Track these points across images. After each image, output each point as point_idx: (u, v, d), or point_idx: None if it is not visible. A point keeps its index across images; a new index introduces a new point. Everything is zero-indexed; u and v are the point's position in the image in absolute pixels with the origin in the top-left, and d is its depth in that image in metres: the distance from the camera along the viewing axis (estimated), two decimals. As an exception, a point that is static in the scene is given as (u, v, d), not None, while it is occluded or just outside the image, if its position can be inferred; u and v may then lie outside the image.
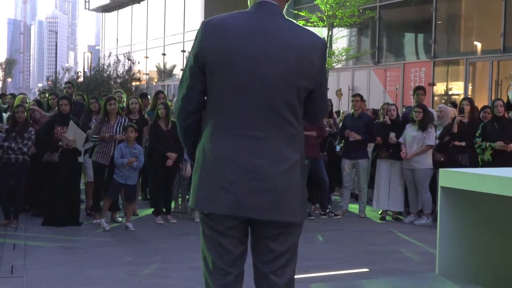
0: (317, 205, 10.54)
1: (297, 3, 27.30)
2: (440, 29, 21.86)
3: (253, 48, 2.82)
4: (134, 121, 9.64)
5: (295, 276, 3.09)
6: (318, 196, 10.46)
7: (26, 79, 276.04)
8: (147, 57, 39.73)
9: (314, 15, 17.09)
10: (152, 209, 9.97)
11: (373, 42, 23.53)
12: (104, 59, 24.56)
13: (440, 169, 5.21)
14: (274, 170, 2.84)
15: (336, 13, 16.78)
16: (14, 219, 8.92)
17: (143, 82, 30.94)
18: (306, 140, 9.98)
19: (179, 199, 10.34)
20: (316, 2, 17.41)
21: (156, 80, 39.40)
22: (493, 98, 19.23)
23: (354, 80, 23.99)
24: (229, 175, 2.81)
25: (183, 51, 36.68)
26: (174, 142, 9.36)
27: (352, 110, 10.49)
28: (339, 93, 18.64)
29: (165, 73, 37.79)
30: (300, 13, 17.93)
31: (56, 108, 9.58)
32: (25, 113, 9.02)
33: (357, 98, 10.48)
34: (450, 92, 21.59)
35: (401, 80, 22.64)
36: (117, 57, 27.44)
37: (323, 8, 16.93)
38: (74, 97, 11.14)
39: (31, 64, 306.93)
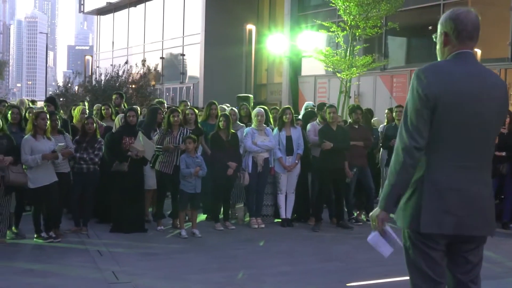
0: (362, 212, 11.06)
1: (302, 9, 27.84)
2: (447, 37, 22.47)
3: (476, 90, 3.33)
4: (190, 131, 10.07)
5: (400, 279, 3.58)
6: (364, 203, 10.99)
7: (6, 79, 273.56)
8: (144, 60, 39.93)
9: (335, 25, 17.59)
10: (205, 216, 10.50)
11: (380, 49, 24.08)
12: (116, 66, 24.70)
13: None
14: (484, 194, 3.38)
15: (359, 23, 17.29)
16: (84, 226, 9.34)
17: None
18: (354, 150, 10.50)
19: (237, 205, 10.78)
20: (339, 13, 17.92)
21: (154, 83, 39.62)
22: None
23: (360, 86, 24.47)
24: (451, 200, 3.31)
25: (183, 55, 37.06)
26: (233, 152, 9.88)
27: (395, 121, 11.00)
28: (356, 99, 19.19)
29: (163, 76, 38.07)
30: (324, 23, 18.39)
31: (117, 118, 10.00)
32: (94, 124, 9.44)
33: (400, 108, 11.02)
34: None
35: (407, 86, 23.19)
36: (126, 62, 27.66)
37: (345, 18, 17.42)
38: (124, 106, 11.58)
39: (10, 64, 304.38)
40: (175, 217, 9.88)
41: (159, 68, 37.34)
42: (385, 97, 23.85)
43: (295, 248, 8.75)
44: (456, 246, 3.45)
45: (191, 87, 35.94)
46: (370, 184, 10.81)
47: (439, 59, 3.56)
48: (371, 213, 3.53)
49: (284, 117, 10.24)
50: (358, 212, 11.02)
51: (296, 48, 23.89)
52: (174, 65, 38.74)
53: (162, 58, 38.90)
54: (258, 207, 10.32)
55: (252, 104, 16.07)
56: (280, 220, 10.42)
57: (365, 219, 10.84)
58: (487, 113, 3.37)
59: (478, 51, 21.74)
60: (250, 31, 28.04)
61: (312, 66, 27.02)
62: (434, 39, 3.59)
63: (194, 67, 35.52)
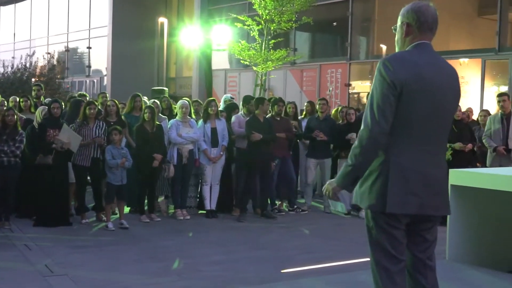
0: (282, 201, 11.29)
1: (214, 2, 27.85)
2: (356, 32, 23.11)
3: (437, 79, 3.53)
4: (112, 123, 9.99)
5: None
6: (286, 193, 11.23)
7: None
8: (48, 53, 38.90)
9: (251, 19, 17.75)
10: (129, 208, 10.45)
11: (292, 43, 24.47)
12: (22, 57, 23.96)
13: (450, 170, 6.10)
14: (443, 177, 3.60)
15: (274, 18, 17.53)
16: (6, 221, 9.10)
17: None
18: (276, 142, 10.73)
19: (160, 199, 10.76)
20: (254, 7, 18.08)
21: (59, 76, 38.64)
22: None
23: (270, 80, 24.77)
24: (415, 182, 3.50)
25: (89, 47, 36.30)
26: (158, 144, 9.89)
27: (318, 113, 11.29)
28: (270, 93, 19.46)
29: (68, 69, 37.15)
30: (239, 17, 18.52)
31: (38, 111, 9.78)
32: (15, 116, 9.20)
33: (324, 101, 11.33)
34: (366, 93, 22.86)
35: (317, 81, 23.73)
36: (31, 55, 26.85)
37: (261, 12, 17.61)
38: (43, 99, 11.34)
39: None
40: (99, 210, 9.78)
41: (64, 61, 36.47)
42: (295, 91, 24.26)
43: (224, 238, 8.86)
44: (415, 225, 3.63)
45: (97, 81, 35.30)
46: (292, 175, 11.09)
47: (398, 49, 3.73)
48: (325, 185, 3.68)
49: (209, 109, 10.32)
50: (280, 202, 11.24)
51: (209, 42, 23.94)
52: (80, 58, 37.90)
53: (67, 50, 37.96)
54: (184, 199, 10.36)
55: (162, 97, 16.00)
56: (204, 212, 10.49)
57: (287, 209, 11.08)
58: (446, 101, 3.58)
59: (383, 47, 22.58)
60: (162, 24, 27.83)
61: (223, 60, 27.18)
62: (394, 31, 3.77)
63: (101, 60, 34.86)
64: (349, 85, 22.78)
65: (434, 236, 3.72)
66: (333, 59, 23.74)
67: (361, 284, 6.17)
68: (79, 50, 37.97)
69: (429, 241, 3.70)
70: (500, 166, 9.52)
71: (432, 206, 3.57)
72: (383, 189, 3.50)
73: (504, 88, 17.75)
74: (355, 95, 23.04)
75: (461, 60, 19.29)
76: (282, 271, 6.97)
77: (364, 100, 22.57)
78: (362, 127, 3.50)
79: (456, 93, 3.65)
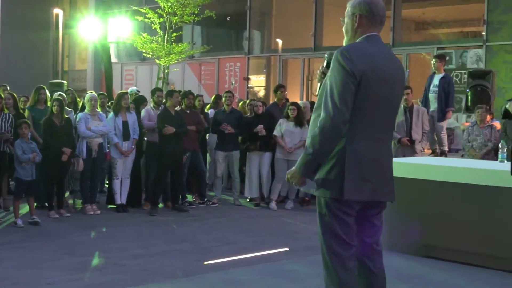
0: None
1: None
2: (254, 27, 23.32)
3: (389, 69, 3.66)
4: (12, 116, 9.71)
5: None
6: (197, 186, 11.25)
7: None
8: None
9: (153, 12, 17.54)
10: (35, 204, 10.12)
11: (191, 37, 24.38)
12: None
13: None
14: (391, 164, 3.76)
15: (176, 11, 17.42)
16: None
17: None
18: (187, 135, 10.76)
19: (67, 193, 10.50)
20: (156, 0, 17.89)
21: None
22: (304, 93, 21.17)
23: (169, 73, 24.61)
24: (369, 169, 3.62)
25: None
26: (67, 138, 9.66)
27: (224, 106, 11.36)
28: (172, 86, 19.35)
29: None
30: (140, 9, 18.25)
31: None
32: None
33: (230, 94, 11.40)
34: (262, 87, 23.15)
35: (216, 74, 23.78)
36: None
37: (162, 5, 17.45)
38: None
39: None
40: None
41: None
42: (194, 84, 24.18)
43: (140, 232, 8.77)
44: (364, 211, 3.77)
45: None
46: (203, 167, 11.12)
47: (347, 39, 3.84)
48: (289, 173, 3.74)
49: (122, 102, 10.17)
50: (191, 195, 11.24)
51: (107, 34, 23.47)
52: None
53: None
54: (93, 193, 10.16)
55: (65, 90, 15.60)
56: (114, 206, 10.34)
57: (197, 202, 11.08)
58: (396, 91, 3.75)
59: (279, 41, 22.92)
60: (57, 15, 26.99)
61: (120, 53, 26.71)
62: (342, 22, 3.87)
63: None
64: (248, 78, 22.98)
65: (381, 221, 3.88)
66: (232, 53, 23.85)
67: (290, 273, 6.33)
68: None
69: (376, 226, 3.85)
70: (404, 156, 9.91)
71: (383, 192, 3.72)
72: (340, 177, 3.60)
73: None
74: (254, 89, 23.28)
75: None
76: (204, 263, 6.99)
77: (261, 93, 22.87)
78: (322, 115, 3.55)
79: (402, 83, 3.83)
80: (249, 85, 22.91)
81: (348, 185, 3.59)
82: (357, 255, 3.77)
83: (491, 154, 10.02)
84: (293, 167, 3.73)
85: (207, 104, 13.05)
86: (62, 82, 17.00)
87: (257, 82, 23.41)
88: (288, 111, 10.83)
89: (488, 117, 10.47)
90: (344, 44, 3.82)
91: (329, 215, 3.69)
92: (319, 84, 3.92)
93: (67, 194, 10.46)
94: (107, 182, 11.23)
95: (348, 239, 3.70)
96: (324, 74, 3.91)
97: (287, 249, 7.80)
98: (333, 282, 3.67)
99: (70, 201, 10.50)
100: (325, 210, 3.70)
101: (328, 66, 3.85)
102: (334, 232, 3.69)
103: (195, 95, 11.83)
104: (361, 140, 3.63)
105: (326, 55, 3.99)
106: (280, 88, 12.02)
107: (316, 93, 3.98)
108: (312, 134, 3.60)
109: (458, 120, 15.93)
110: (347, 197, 3.60)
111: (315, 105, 3.76)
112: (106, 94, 11.98)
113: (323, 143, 3.54)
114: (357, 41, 3.75)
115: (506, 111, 4.68)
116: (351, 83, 3.52)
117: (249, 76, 22.99)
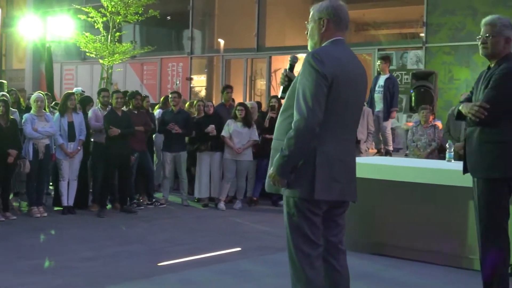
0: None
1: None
2: (197, 27, 23.29)
3: (356, 72, 3.77)
4: None
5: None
6: (145, 186, 11.21)
7: None
8: None
9: (96, 11, 17.28)
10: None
11: (133, 36, 24.19)
12: None
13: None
14: (355, 164, 3.88)
15: (120, 10, 17.23)
16: None
17: None
18: (135, 135, 10.73)
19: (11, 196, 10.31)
20: (99, -2, 17.66)
21: None
22: (248, 92, 21.26)
23: (112, 74, 24.36)
24: (338, 170, 3.71)
25: None
26: (13, 139, 9.49)
27: (172, 106, 11.35)
28: (115, 86, 19.14)
29: None
30: (83, 8, 17.96)
31: None
32: None
33: (175, 95, 11.39)
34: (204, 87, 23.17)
35: (158, 74, 23.67)
36: None
37: (106, 5, 17.23)
38: None
39: None
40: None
41: None
42: (136, 84, 23.98)
43: (89, 234, 8.69)
44: (331, 211, 3.86)
45: None
46: (151, 167, 11.11)
47: (311, 43, 3.91)
48: (270, 176, 3.75)
49: (69, 102, 10.04)
50: (139, 196, 11.19)
51: (46, 33, 23.04)
52: None
53: None
54: (40, 196, 10.02)
55: (6, 90, 15.31)
56: (60, 208, 10.21)
57: (145, 203, 11.05)
58: (361, 94, 3.87)
59: (222, 41, 22.95)
60: (-5, 14, 26.35)
61: (59, 53, 26.26)
62: (308, 26, 3.94)
63: None
64: (191, 79, 22.95)
65: (344, 221, 3.97)
66: (174, 52, 23.76)
67: (245, 273, 6.40)
68: None
69: (340, 226, 3.95)
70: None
71: (349, 193, 3.82)
72: (311, 177, 3.67)
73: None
74: (195, 89, 23.25)
75: (299, 55, 20.10)
76: (158, 264, 6.98)
77: (203, 93, 22.84)
78: (296, 117, 3.60)
79: (366, 85, 3.95)
80: (191, 85, 22.87)
81: (319, 185, 3.66)
82: (322, 255, 3.86)
83: (435, 153, 10.31)
84: (270, 170, 3.76)
85: (154, 104, 13.01)
86: (2, 82, 16.64)
87: (200, 82, 23.38)
88: (236, 111, 10.89)
89: (431, 117, 10.74)
90: (309, 49, 3.91)
91: (297, 215, 3.76)
92: (282, 87, 4.00)
93: (11, 196, 10.28)
94: (51, 183, 11.08)
95: (316, 239, 3.78)
96: (287, 77, 3.99)
97: (239, 249, 7.85)
98: (300, 281, 3.75)
99: (16, 204, 10.35)
100: (293, 210, 3.76)
101: (291, 69, 3.93)
102: (302, 231, 3.77)
103: (142, 95, 11.78)
104: (331, 141, 3.72)
105: (289, 58, 4.07)
106: (227, 88, 12.13)
107: (280, 95, 4.05)
108: (287, 136, 3.63)
109: (399, 120, 16.26)
110: (318, 197, 3.68)
111: (282, 108, 3.83)
112: (50, 94, 11.79)
113: (299, 144, 3.60)
114: (323, 45, 3.83)
115: (459, 112, 4.82)
116: (323, 85, 3.60)
117: (192, 76, 22.94)
